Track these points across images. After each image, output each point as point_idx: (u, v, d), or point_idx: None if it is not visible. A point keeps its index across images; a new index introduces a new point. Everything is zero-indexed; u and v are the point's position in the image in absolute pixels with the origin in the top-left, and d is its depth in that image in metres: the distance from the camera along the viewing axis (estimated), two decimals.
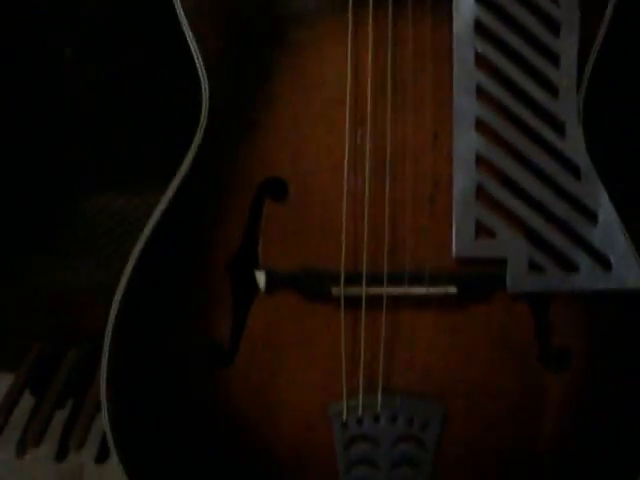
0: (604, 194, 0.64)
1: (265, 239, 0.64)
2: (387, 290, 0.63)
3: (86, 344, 0.99)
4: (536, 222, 0.64)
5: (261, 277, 0.64)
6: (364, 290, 0.63)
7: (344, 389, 0.65)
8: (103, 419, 0.67)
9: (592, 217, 0.64)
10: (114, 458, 0.68)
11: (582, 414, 0.67)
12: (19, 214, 1.02)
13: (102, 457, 0.87)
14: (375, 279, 0.63)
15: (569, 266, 0.65)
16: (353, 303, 0.63)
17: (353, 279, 0.63)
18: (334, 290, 0.63)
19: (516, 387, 0.67)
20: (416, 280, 0.63)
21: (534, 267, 0.64)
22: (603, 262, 0.65)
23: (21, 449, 0.89)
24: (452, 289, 0.63)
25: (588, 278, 0.65)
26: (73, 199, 1.01)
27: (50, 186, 1.01)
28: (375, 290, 0.63)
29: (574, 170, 0.64)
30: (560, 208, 0.64)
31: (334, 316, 0.64)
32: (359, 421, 0.66)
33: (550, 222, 0.64)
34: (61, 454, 0.89)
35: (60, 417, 0.92)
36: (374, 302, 0.63)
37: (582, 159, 0.64)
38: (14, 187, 1.01)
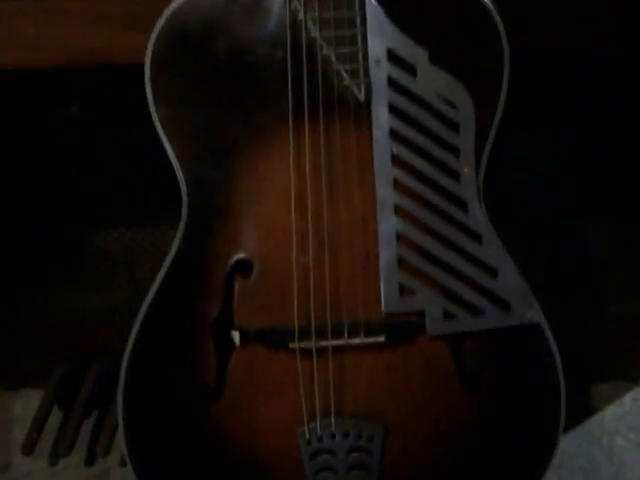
0: (504, 253, 0.82)
1: (237, 306, 0.82)
2: (331, 342, 0.82)
3: (105, 359, 1.13)
4: (448, 281, 0.82)
5: (236, 335, 0.82)
6: (314, 344, 0.82)
7: (304, 417, 0.84)
8: (119, 436, 0.86)
9: (493, 272, 0.82)
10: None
11: (494, 425, 0.87)
12: (39, 247, 1.17)
13: (126, 462, 0.92)
14: (323, 333, 0.82)
15: (476, 311, 0.83)
16: (307, 352, 0.82)
17: (305, 332, 0.82)
18: (291, 345, 0.81)
19: (442, 405, 0.85)
20: (354, 332, 0.82)
21: (448, 315, 0.82)
22: (504, 305, 0.83)
23: (54, 458, 1.01)
24: (381, 338, 0.82)
25: (491, 319, 0.83)
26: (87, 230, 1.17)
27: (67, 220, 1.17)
28: (323, 342, 0.82)
29: (477, 237, 0.81)
30: (467, 268, 0.81)
31: (294, 362, 0.83)
32: (319, 439, 0.85)
33: (459, 280, 0.82)
34: (90, 460, 1.02)
35: (87, 427, 1.05)
36: (323, 351, 0.82)
37: (483, 228, 0.81)
38: (32, 220, 1.15)
